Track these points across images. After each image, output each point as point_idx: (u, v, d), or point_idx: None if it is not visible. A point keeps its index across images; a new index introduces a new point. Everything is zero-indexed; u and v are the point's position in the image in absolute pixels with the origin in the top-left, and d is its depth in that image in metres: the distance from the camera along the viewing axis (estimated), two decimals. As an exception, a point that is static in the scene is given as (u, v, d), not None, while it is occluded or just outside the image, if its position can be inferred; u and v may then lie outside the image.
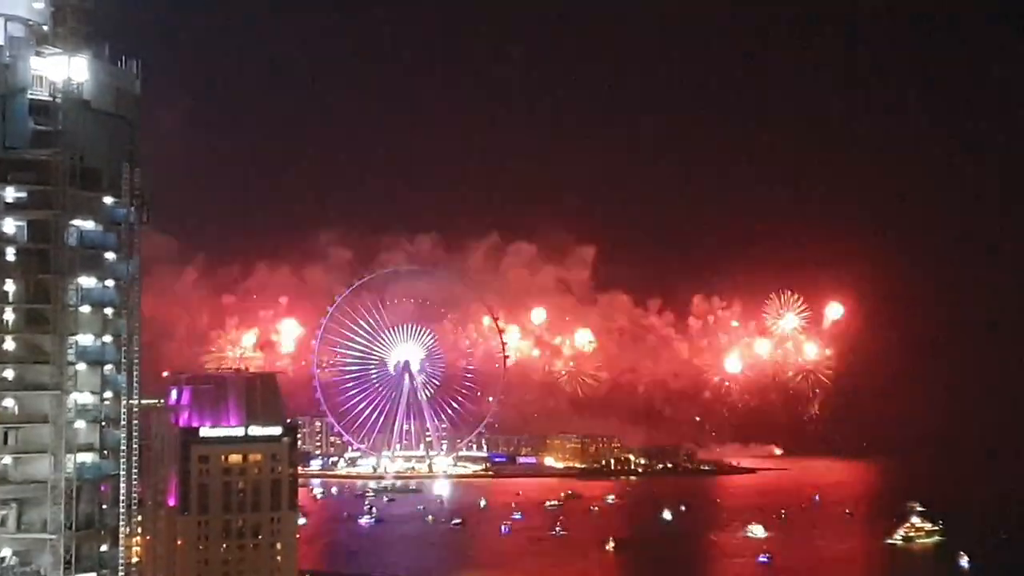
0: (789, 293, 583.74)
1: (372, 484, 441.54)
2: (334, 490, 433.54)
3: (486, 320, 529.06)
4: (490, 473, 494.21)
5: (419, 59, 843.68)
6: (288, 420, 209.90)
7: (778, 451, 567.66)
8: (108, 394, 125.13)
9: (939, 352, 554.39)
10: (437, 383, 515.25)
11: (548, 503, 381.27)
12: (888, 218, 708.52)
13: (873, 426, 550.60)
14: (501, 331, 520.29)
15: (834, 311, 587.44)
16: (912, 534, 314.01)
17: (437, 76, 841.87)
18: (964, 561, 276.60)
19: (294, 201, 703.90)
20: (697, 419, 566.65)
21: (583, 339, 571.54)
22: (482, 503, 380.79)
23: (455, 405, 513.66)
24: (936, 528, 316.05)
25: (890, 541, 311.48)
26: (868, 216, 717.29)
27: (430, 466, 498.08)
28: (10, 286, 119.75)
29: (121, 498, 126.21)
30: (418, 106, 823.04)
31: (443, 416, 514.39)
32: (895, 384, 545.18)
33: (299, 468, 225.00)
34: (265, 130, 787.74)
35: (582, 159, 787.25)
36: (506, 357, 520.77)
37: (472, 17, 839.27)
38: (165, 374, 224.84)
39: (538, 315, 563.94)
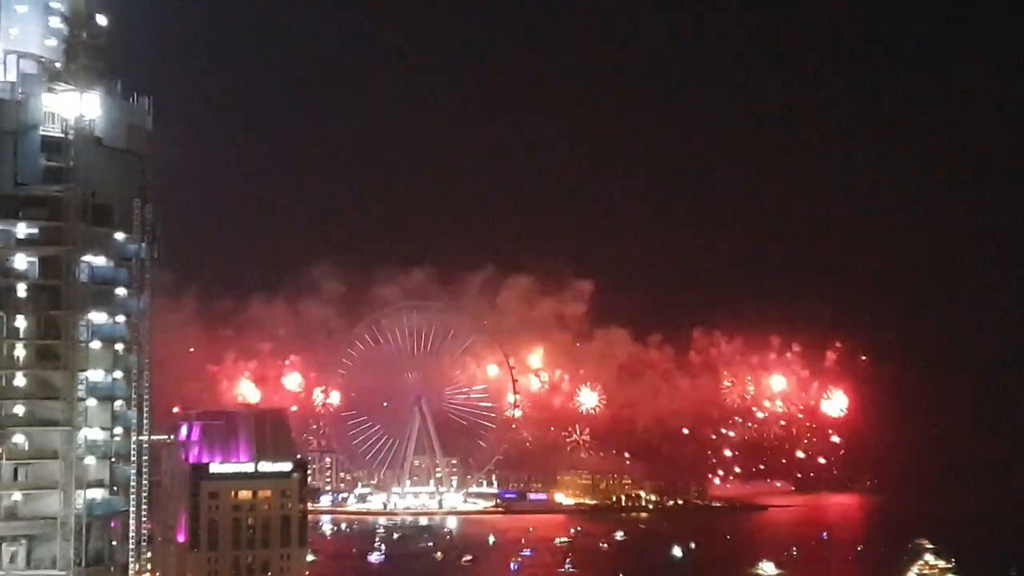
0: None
1: (382, 520, 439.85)
2: (344, 526, 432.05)
3: (492, 356, 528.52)
4: (500, 509, 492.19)
5: (412, 92, 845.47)
6: (298, 456, 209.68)
7: (789, 488, 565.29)
8: (118, 430, 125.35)
9: (949, 391, 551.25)
10: (447, 419, 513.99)
11: (558, 540, 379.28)
12: (895, 250, 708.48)
13: (881, 463, 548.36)
14: (512, 368, 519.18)
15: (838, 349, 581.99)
16: (926, 572, 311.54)
17: (430, 107, 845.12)
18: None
19: (287, 234, 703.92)
20: (701, 454, 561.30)
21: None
22: (491, 540, 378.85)
23: (465, 441, 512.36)
24: (949, 566, 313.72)
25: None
26: (875, 248, 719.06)
27: (440, 503, 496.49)
28: (21, 322, 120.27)
29: (131, 534, 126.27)
30: (411, 138, 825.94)
31: (453, 452, 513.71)
32: (903, 422, 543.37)
33: (309, 504, 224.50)
34: (258, 162, 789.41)
35: (580, 191, 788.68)
36: (516, 393, 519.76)
37: (465, 48, 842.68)
38: (176, 410, 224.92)
39: (536, 350, 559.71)
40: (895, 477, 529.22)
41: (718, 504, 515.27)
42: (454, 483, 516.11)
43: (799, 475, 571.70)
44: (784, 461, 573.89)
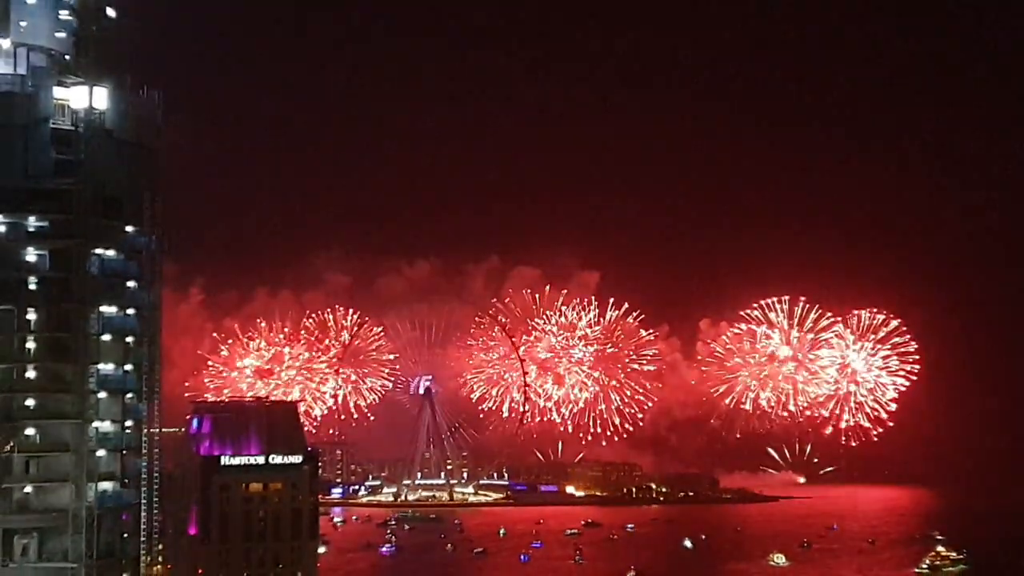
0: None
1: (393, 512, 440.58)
2: (355, 518, 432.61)
3: (500, 347, 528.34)
4: (511, 501, 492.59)
5: (418, 84, 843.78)
6: (309, 448, 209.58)
7: (801, 479, 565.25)
8: (129, 423, 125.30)
9: (966, 380, 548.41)
10: (457, 411, 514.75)
11: (568, 531, 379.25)
12: (915, 230, 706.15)
13: (894, 455, 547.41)
14: (523, 360, 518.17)
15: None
16: (938, 563, 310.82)
17: (435, 99, 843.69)
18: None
19: (292, 226, 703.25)
20: (710, 446, 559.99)
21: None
22: (502, 532, 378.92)
23: (475, 432, 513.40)
24: (961, 557, 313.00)
25: (917, 570, 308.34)
26: (890, 229, 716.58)
27: (451, 495, 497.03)
28: (32, 315, 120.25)
29: (142, 527, 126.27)
30: (415, 130, 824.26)
31: (463, 444, 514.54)
32: (918, 413, 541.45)
33: (320, 496, 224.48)
34: (265, 154, 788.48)
35: (585, 181, 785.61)
36: (527, 386, 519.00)
37: (470, 37, 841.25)
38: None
39: (545, 341, 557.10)
40: (909, 469, 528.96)
41: (728, 496, 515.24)
42: (465, 475, 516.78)
43: (810, 466, 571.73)
44: (793, 452, 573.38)
